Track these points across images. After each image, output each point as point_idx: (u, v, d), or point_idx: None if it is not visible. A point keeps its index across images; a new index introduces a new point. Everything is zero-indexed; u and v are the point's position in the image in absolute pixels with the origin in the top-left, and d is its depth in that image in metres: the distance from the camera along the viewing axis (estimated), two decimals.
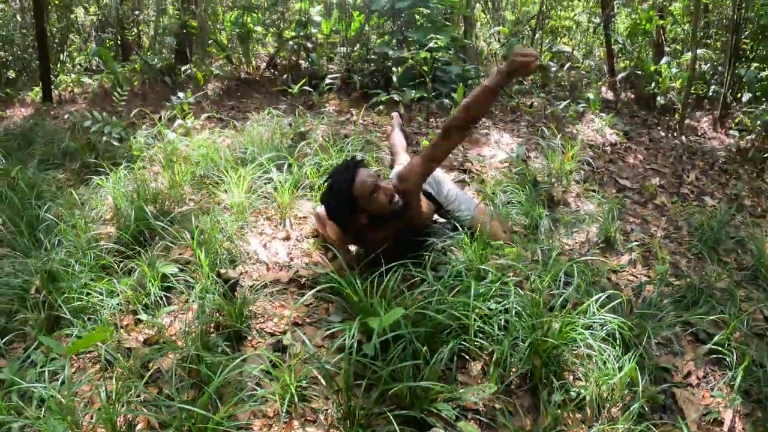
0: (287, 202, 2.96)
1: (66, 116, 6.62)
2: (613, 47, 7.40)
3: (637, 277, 2.77)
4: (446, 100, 5.22)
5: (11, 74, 10.53)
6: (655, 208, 3.84)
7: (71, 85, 8.26)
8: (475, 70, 6.27)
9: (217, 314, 2.11)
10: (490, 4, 9.03)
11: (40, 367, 1.93)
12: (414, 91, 5.34)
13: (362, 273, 2.26)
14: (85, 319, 2.25)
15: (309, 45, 6.85)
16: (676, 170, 4.55)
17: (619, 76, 6.94)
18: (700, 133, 5.85)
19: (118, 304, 2.32)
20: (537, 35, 7.89)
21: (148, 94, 6.85)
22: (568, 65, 7.41)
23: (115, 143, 4.22)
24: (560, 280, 2.23)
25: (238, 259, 2.57)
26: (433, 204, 2.79)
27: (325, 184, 2.35)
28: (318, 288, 2.15)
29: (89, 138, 4.51)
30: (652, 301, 2.38)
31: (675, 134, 5.55)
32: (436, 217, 2.84)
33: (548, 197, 3.56)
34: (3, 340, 2.12)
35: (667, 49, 7.53)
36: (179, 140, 4.16)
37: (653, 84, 6.40)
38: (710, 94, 6.55)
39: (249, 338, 2.07)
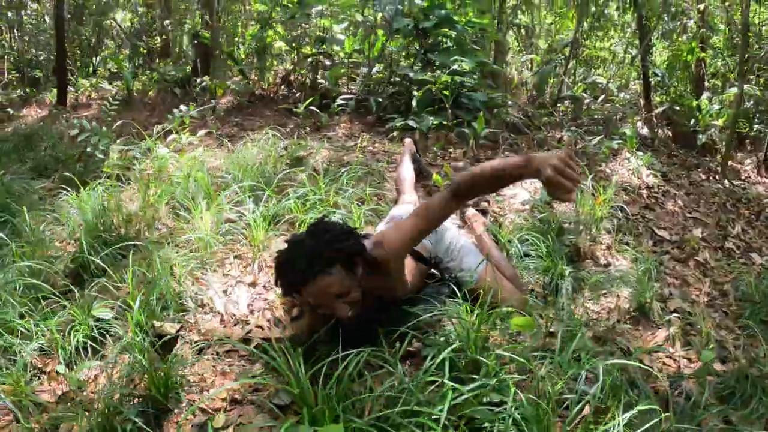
0: (260, 240, 2.63)
1: (74, 122, 6.45)
2: (650, 80, 7.09)
3: (675, 360, 2.25)
4: (466, 130, 4.82)
5: (37, 73, 10.59)
6: (697, 266, 3.36)
7: (89, 89, 8.15)
8: (503, 98, 5.95)
9: (140, 379, 1.78)
10: (522, 30, 8.73)
11: None
12: (432, 118, 5.00)
13: (320, 344, 1.91)
14: (5, 359, 1.95)
15: (327, 63, 6.62)
16: (719, 220, 4.15)
17: (657, 111, 6.60)
18: (743, 177, 5.52)
19: (39, 348, 2.02)
20: (570, 65, 7.60)
21: (158, 105, 6.66)
22: (602, 97, 7.09)
23: (100, 155, 3.95)
24: (581, 377, 1.80)
25: (190, 306, 2.23)
26: (424, 265, 2.32)
27: (287, 245, 1.88)
28: (264, 360, 1.79)
29: (83, 149, 4.30)
30: (694, 399, 1.90)
31: (717, 177, 5.20)
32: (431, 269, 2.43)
33: (574, 249, 3.07)
34: None
35: (707, 83, 7.17)
36: (170, 157, 3.89)
37: (693, 121, 6.11)
38: (753, 133, 6.30)
39: (174, 412, 1.73)
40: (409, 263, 2.11)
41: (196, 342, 2.03)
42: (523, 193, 3.80)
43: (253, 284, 2.44)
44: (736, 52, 6.46)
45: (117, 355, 1.91)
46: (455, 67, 5.15)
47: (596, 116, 6.65)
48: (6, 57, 10.47)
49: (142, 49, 9.85)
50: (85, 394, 1.83)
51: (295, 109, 5.31)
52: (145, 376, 1.76)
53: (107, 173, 3.60)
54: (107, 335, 2.06)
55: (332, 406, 1.53)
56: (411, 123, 4.95)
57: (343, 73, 6.51)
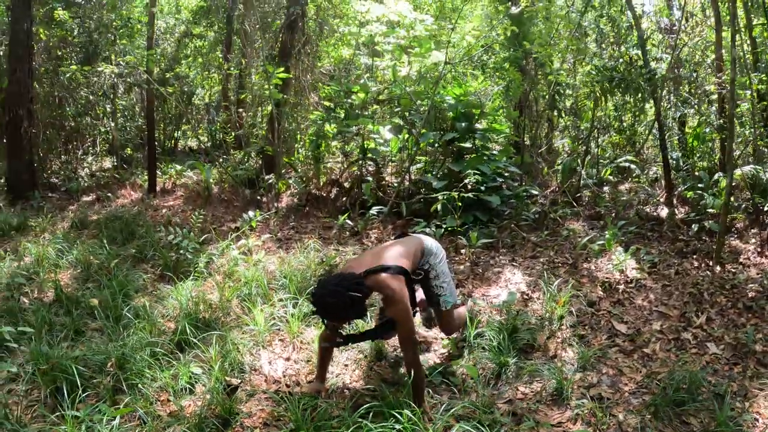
0: (295, 331, 4.30)
1: (163, 210, 8.41)
2: (669, 162, 7.45)
3: None
4: (474, 233, 6.09)
5: (128, 151, 12.89)
6: (642, 357, 4.03)
7: (174, 176, 10.20)
8: (528, 190, 7.27)
9: (215, 407, 3.42)
10: (562, 114, 9.64)
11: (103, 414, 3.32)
12: (446, 223, 6.42)
13: None
14: (137, 391, 3.63)
15: (370, 168, 8.36)
16: (685, 312, 4.60)
17: (678, 191, 7.14)
18: (742, 259, 5.64)
19: (159, 387, 3.69)
20: (593, 150, 8.35)
21: (231, 202, 8.57)
22: (630, 179, 7.99)
23: (189, 256, 5.77)
24: None
25: (247, 370, 3.89)
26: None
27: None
28: (285, 405, 3.41)
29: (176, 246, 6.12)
30: None
31: (711, 263, 5.43)
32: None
33: (530, 342, 4.15)
34: (84, 394, 3.55)
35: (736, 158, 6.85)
36: (239, 259, 5.68)
37: (705, 201, 6.28)
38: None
39: (233, 427, 3.35)
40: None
41: (248, 390, 3.66)
42: (504, 294, 5.02)
43: (287, 359, 4.08)
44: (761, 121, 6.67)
45: (203, 394, 3.56)
46: (474, 176, 6.44)
47: (617, 200, 7.45)
48: (102, 139, 12.84)
49: (220, 124, 11.82)
50: (184, 413, 3.47)
51: (335, 222, 7.01)
52: (218, 407, 3.40)
53: (199, 275, 5.39)
54: (197, 382, 3.72)
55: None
56: (428, 229, 6.38)
57: (380, 184, 8.19)
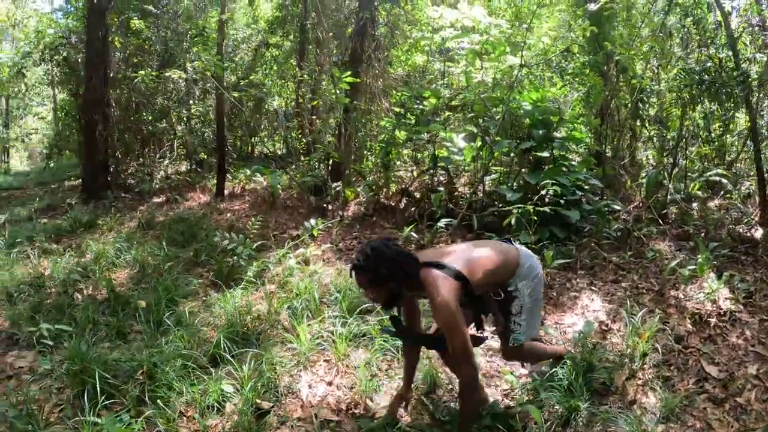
0: (341, 352, 3.94)
1: (228, 215, 8.32)
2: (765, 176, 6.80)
3: None
4: (550, 252, 5.50)
5: (202, 155, 13.09)
6: (734, 408, 3.47)
7: (243, 181, 10.15)
8: (609, 205, 6.64)
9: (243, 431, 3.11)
10: (647, 122, 8.95)
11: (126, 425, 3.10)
12: (520, 239, 5.76)
13: None
14: (162, 404, 3.37)
15: (442, 178, 7.96)
16: None
17: None
18: None
19: (185, 401, 3.43)
20: (681, 162, 7.71)
21: (297, 209, 8.37)
22: (720, 194, 7.29)
23: (243, 263, 5.54)
24: None
25: (283, 393, 3.56)
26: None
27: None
28: None
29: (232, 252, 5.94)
30: None
31: None
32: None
33: (608, 383, 3.61)
34: (109, 401, 3.36)
35: None
36: (295, 269, 5.41)
37: None
38: None
39: None
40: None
41: (281, 416, 3.33)
42: (581, 323, 4.46)
43: (329, 384, 3.73)
44: None
45: (231, 414, 3.25)
46: (552, 188, 5.95)
47: (707, 218, 6.67)
48: (177, 143, 13.14)
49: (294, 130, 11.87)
50: None
51: (400, 233, 6.65)
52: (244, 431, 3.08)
53: (250, 283, 5.15)
54: (227, 401, 3.43)
55: None
56: None
57: (451, 195, 7.79)
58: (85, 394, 3.45)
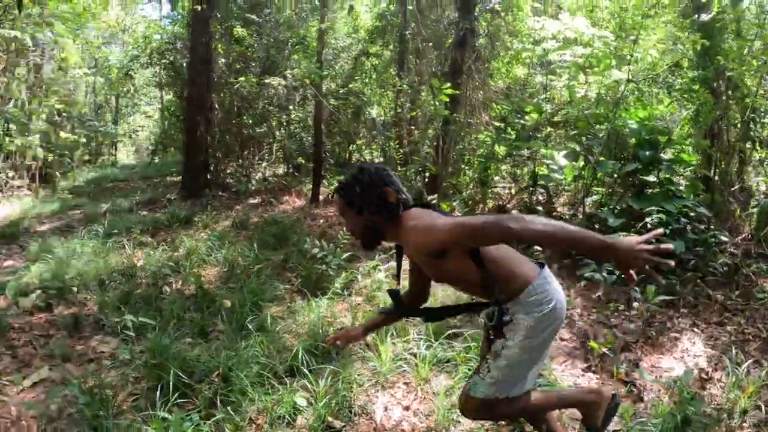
0: (423, 376, 3.72)
1: (321, 221, 8.29)
2: None
3: None
4: (652, 287, 4.93)
5: (300, 160, 13.26)
6: None
7: None
8: (716, 236, 6.04)
9: None
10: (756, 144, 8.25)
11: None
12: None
13: None
14: (233, 409, 3.28)
15: (541, 197, 7.60)
16: None
17: None
18: None
19: (256, 409, 3.32)
20: None
21: None
22: None
23: (331, 272, 5.44)
24: None
25: (357, 412, 3.39)
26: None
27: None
28: None
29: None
30: None
31: None
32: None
33: None
34: (182, 399, 3.37)
35: None
36: (384, 282, 5.25)
37: None
38: None
39: None
40: (466, 264, 2.38)
41: None
42: (680, 369, 4.04)
43: (407, 408, 3.52)
44: None
45: (300, 428, 3.11)
46: (658, 215, 5.55)
47: None
48: (276, 148, 13.43)
49: (390, 145, 11.85)
50: None
51: None
52: None
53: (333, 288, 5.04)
54: (299, 415, 3.30)
55: None
56: (597, 275, 5.42)
57: (550, 215, 7.41)
58: (159, 389, 3.45)
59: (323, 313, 4.67)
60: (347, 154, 16.35)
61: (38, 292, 5.52)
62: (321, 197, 9.80)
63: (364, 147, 17.95)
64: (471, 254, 2.35)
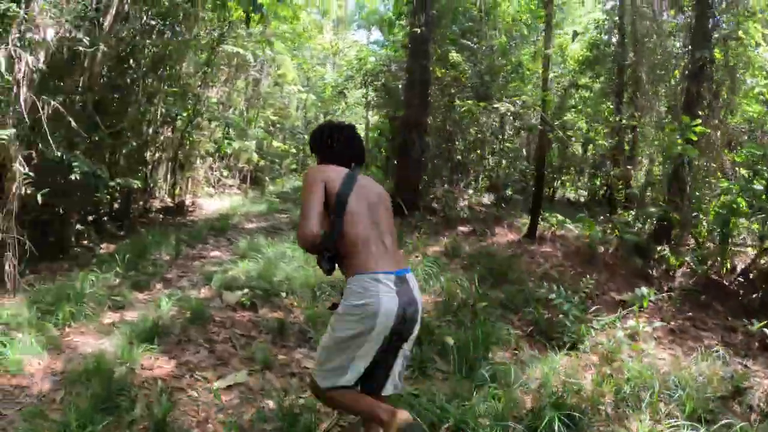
0: None
1: (540, 260, 7.85)
2: None
3: None
4: None
5: (509, 192, 12.85)
6: None
7: (554, 226, 9.59)
8: None
9: None
10: None
11: None
12: None
13: None
14: None
15: None
16: None
17: None
18: None
19: None
20: None
21: (616, 268, 7.56)
22: None
23: (568, 323, 5.00)
24: None
25: None
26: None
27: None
28: None
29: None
30: None
31: None
32: None
33: None
34: None
35: None
36: (623, 343, 4.71)
37: None
38: None
39: None
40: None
41: None
42: None
43: None
44: None
45: None
46: None
47: None
48: (485, 176, 13.15)
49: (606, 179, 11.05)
50: None
51: (749, 327, 5.48)
52: None
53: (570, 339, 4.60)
54: None
55: None
56: None
57: None
58: None
59: (556, 366, 4.25)
60: (551, 190, 15.72)
61: (245, 290, 5.65)
62: (537, 233, 9.28)
63: (569, 183, 17.23)
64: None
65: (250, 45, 12.98)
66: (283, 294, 5.76)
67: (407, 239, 8.58)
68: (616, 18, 12.49)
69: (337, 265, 2.72)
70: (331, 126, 3.10)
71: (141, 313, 4.89)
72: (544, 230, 9.36)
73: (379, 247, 2.70)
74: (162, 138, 10.20)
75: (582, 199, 16.13)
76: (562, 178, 16.54)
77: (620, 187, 10.91)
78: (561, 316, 5.13)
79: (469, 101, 11.16)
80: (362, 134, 24.77)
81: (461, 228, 9.84)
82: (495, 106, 10.37)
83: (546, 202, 12.72)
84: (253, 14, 7.31)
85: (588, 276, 6.47)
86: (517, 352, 4.80)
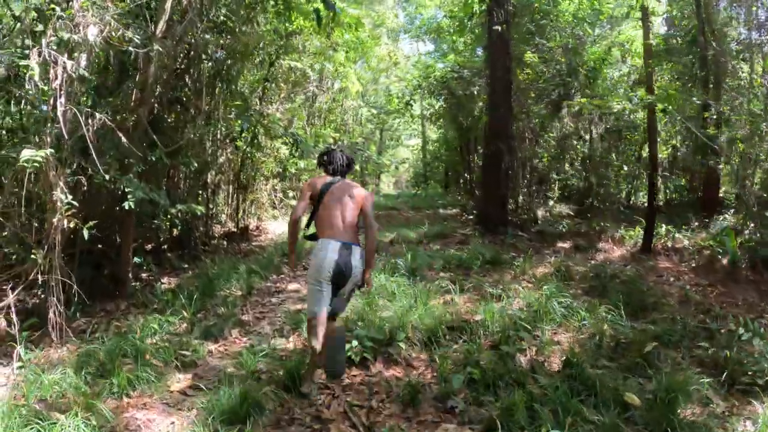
0: None
1: (671, 279, 6.64)
2: None
3: None
4: None
5: (588, 201, 11.51)
6: None
7: (665, 238, 8.35)
8: None
9: None
10: None
11: None
12: None
13: None
14: None
15: None
16: None
17: None
18: None
19: None
20: None
21: (756, 282, 6.34)
22: None
23: (766, 364, 3.80)
24: None
25: None
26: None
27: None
28: None
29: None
30: None
31: None
32: None
33: None
34: None
35: None
36: None
37: None
38: None
39: None
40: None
41: None
42: None
43: None
44: None
45: None
46: None
47: None
48: (561, 185, 11.91)
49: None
50: None
51: None
52: None
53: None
54: None
55: None
56: None
57: None
58: None
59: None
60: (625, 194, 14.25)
61: (354, 342, 4.47)
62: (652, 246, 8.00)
63: (642, 188, 15.72)
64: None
65: (307, 59, 12.04)
66: (401, 345, 4.60)
67: (508, 259, 7.40)
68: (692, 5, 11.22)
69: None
70: (327, 151, 4.34)
71: (218, 375, 3.94)
72: (655, 242, 8.08)
73: (336, 225, 3.95)
74: (222, 158, 9.28)
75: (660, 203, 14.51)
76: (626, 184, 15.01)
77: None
78: (748, 353, 3.93)
79: (583, 99, 9.74)
80: (419, 148, 24.07)
81: (561, 244, 8.63)
82: (609, 104, 9.09)
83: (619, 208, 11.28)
84: (325, 10, 6.35)
85: (741, 297, 5.25)
86: (712, 405, 3.62)
